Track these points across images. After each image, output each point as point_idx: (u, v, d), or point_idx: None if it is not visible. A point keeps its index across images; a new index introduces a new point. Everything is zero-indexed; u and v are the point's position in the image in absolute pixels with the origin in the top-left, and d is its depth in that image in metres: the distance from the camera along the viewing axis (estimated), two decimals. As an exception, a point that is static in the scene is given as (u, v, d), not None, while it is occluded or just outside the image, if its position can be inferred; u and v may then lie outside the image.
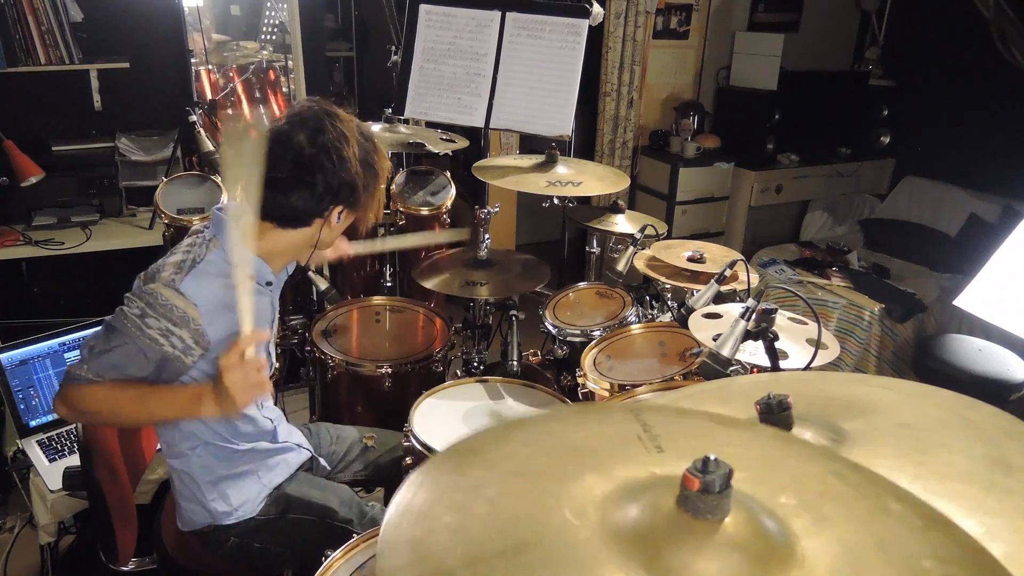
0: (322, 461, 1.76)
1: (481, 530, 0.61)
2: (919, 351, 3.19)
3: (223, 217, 1.42)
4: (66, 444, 2.13)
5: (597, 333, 2.16)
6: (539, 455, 0.73)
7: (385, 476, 1.86)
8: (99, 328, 1.36)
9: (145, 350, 1.30)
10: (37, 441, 2.13)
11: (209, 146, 2.69)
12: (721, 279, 1.86)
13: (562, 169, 2.33)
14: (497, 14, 2.37)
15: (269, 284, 1.51)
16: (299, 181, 1.37)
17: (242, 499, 1.55)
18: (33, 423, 2.16)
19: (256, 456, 1.57)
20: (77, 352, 2.22)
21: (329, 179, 1.37)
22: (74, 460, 2.05)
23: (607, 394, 1.85)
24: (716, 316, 1.62)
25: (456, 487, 0.67)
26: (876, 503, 0.65)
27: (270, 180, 1.37)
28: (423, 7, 2.44)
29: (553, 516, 0.62)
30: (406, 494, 0.66)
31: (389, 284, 2.69)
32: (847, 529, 0.62)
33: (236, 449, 1.52)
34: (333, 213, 1.43)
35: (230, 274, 1.39)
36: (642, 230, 2.38)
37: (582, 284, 2.51)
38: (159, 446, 1.79)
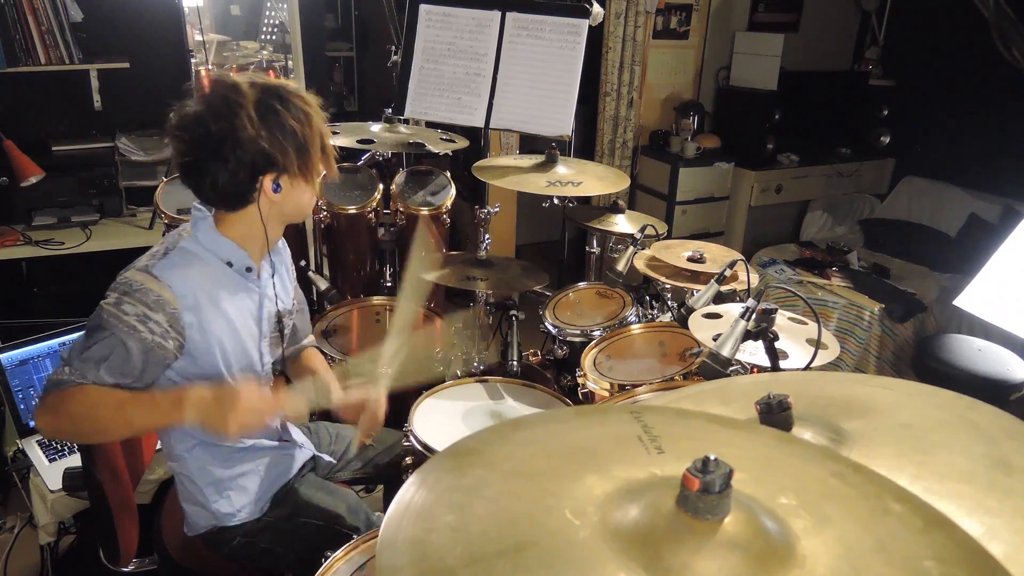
0: (325, 458, 1.75)
1: (481, 530, 0.61)
2: (919, 351, 3.19)
3: (196, 207, 1.43)
4: (66, 444, 2.13)
5: (597, 333, 2.16)
6: (539, 456, 0.73)
7: (384, 475, 1.86)
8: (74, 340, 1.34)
9: (124, 339, 1.28)
10: (37, 441, 2.13)
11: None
12: (721, 279, 1.86)
13: (562, 169, 2.33)
14: (497, 14, 2.37)
15: (250, 270, 1.48)
16: (210, 160, 1.34)
17: (244, 500, 1.54)
18: (33, 423, 2.16)
19: (257, 455, 1.56)
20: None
21: (237, 151, 1.33)
22: (74, 460, 2.05)
23: (607, 394, 1.85)
24: (716, 316, 1.62)
25: (456, 487, 0.67)
26: (877, 503, 0.65)
27: (187, 165, 1.37)
28: (423, 7, 2.44)
29: (553, 516, 0.62)
30: (406, 493, 0.66)
31: (389, 284, 2.69)
32: (847, 529, 0.62)
33: (235, 448, 1.51)
34: (265, 184, 1.38)
35: (207, 260, 1.39)
36: (642, 230, 2.38)
37: (582, 284, 2.51)
38: (159, 446, 1.79)
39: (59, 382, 1.28)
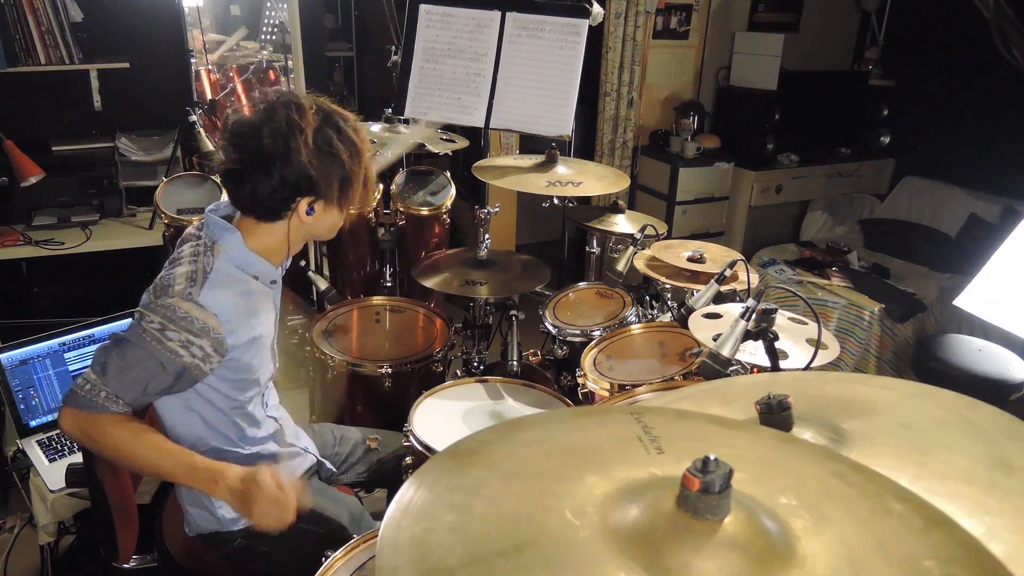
0: (327, 464, 1.75)
1: (481, 530, 0.61)
2: (919, 351, 3.19)
3: (217, 220, 1.43)
4: (66, 444, 2.13)
5: (597, 333, 2.16)
6: (539, 456, 0.73)
7: (387, 478, 1.86)
8: (104, 346, 1.33)
9: (165, 363, 1.30)
10: (37, 441, 2.13)
11: (209, 146, 2.68)
12: (721, 279, 1.86)
13: (562, 169, 2.33)
14: (497, 14, 2.37)
15: (274, 282, 1.50)
16: (254, 171, 1.34)
17: None
18: (33, 423, 2.16)
19: (263, 460, 1.56)
20: (76, 360, 2.22)
21: (284, 170, 1.34)
22: (74, 459, 2.05)
23: (607, 394, 1.85)
24: (716, 316, 1.62)
25: (456, 487, 0.67)
26: (877, 503, 0.65)
27: (230, 171, 1.38)
28: (423, 7, 2.44)
29: (553, 516, 0.62)
30: (406, 493, 0.66)
31: (389, 284, 2.69)
32: (848, 529, 0.62)
33: (242, 453, 1.51)
34: (300, 205, 1.39)
35: (239, 278, 1.41)
36: (642, 230, 2.38)
37: (582, 284, 2.51)
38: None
39: (95, 404, 1.29)
